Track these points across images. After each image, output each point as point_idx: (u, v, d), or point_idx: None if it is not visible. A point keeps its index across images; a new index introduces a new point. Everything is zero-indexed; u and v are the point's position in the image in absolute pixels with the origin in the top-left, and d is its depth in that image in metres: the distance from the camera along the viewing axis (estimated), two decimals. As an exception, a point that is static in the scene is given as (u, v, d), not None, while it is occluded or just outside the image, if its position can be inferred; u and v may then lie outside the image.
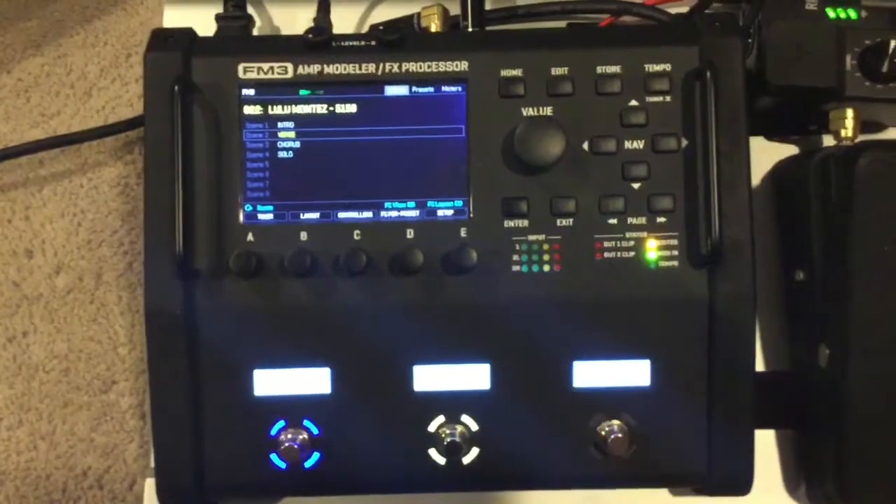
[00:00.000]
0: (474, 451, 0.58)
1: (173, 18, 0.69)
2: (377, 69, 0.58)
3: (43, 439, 0.72)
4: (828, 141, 0.64)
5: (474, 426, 0.58)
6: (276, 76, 0.58)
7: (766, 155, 0.66)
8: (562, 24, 0.67)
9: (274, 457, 0.58)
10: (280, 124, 0.58)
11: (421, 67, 0.58)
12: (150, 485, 0.64)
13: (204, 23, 0.64)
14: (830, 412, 0.59)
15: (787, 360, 0.64)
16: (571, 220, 0.57)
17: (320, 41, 0.58)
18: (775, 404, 0.63)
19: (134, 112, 0.76)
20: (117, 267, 0.74)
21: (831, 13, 0.62)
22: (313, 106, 0.58)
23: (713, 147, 0.55)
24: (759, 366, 0.64)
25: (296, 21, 0.68)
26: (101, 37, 0.79)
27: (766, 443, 0.64)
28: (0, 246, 0.75)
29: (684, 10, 0.65)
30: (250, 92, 0.58)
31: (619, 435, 0.57)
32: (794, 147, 0.66)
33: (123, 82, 0.78)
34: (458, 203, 0.58)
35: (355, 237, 0.58)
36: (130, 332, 0.73)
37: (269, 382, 0.58)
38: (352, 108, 0.58)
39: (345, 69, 0.58)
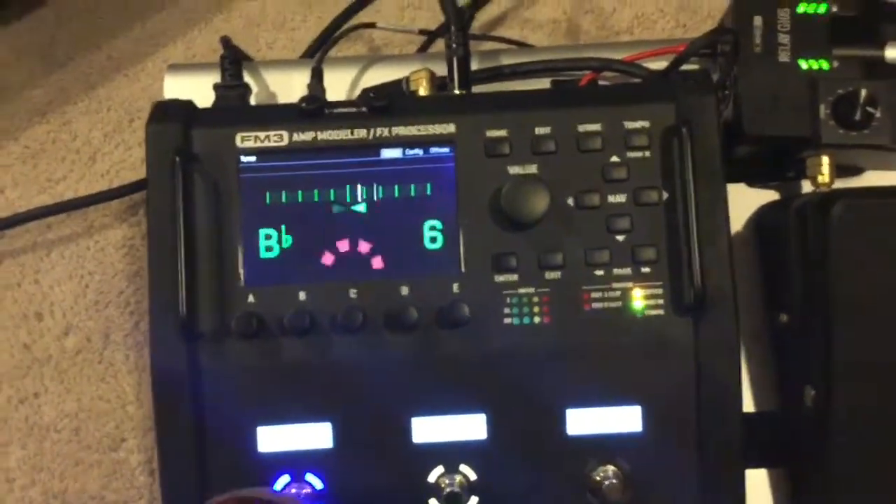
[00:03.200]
0: (473, 501, 0.59)
1: (174, 86, 0.72)
2: (368, 134, 0.61)
3: (56, 498, 0.73)
4: (807, 186, 0.66)
5: (473, 475, 0.60)
6: (272, 144, 0.61)
7: (748, 201, 0.68)
8: (546, 81, 0.69)
9: (279, 511, 0.59)
10: None
11: (410, 131, 0.60)
12: (160, 541, 0.66)
13: (203, 89, 0.67)
14: (818, 450, 0.60)
15: (776, 399, 0.66)
16: (559, 272, 0.59)
17: (313, 109, 0.61)
18: (766, 444, 0.65)
19: (138, 175, 0.79)
20: (124, 327, 0.76)
21: (804, 64, 0.64)
22: (308, 171, 0.61)
23: (692, 199, 0.58)
24: (749, 406, 0.66)
25: (291, 87, 0.70)
26: (105, 103, 0.82)
27: (758, 482, 0.65)
28: (10, 309, 0.77)
29: (664, 63, 0.68)
30: (249, 159, 0.61)
31: (614, 480, 0.59)
32: (776, 193, 0.69)
33: (127, 147, 0.81)
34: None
35: (352, 296, 0.60)
36: (138, 391, 0.75)
37: (273, 438, 0.60)
38: (346, 171, 0.61)
39: (337, 135, 0.61)
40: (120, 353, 0.76)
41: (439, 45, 0.78)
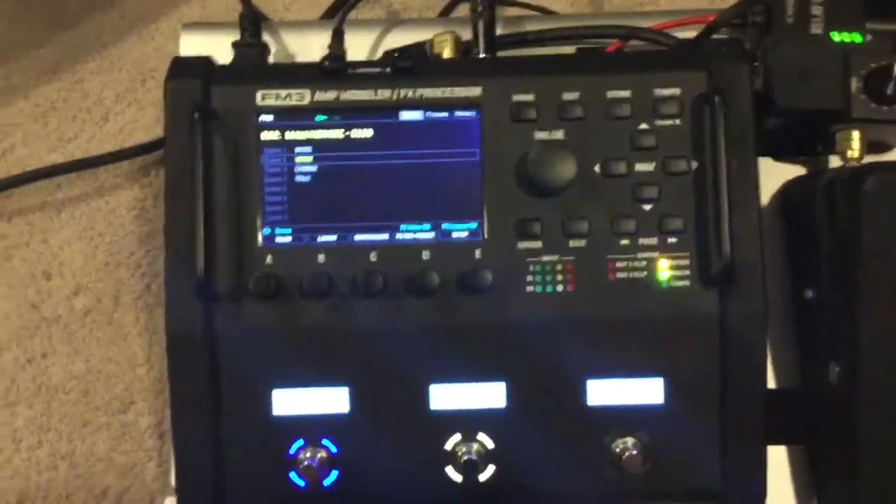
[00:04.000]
0: (490, 469, 0.59)
1: (189, 45, 0.71)
2: (392, 95, 0.59)
3: (63, 459, 0.73)
4: (835, 162, 0.65)
5: (490, 444, 0.59)
6: (293, 103, 0.60)
7: (774, 175, 0.67)
8: (571, 49, 0.68)
9: (293, 475, 0.59)
10: (297, 149, 0.60)
11: (435, 93, 0.59)
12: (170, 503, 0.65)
13: (219, 49, 0.66)
14: (841, 428, 0.59)
15: (798, 376, 0.65)
16: (584, 241, 0.58)
17: (336, 68, 0.60)
18: (787, 421, 0.64)
19: (150, 136, 0.78)
20: (135, 289, 0.75)
21: (836, 37, 0.63)
22: (330, 131, 0.60)
23: (723, 169, 0.57)
24: (771, 382, 0.65)
25: (310, 49, 0.69)
26: (117, 62, 0.81)
27: (778, 459, 0.64)
28: (19, 268, 0.76)
29: (691, 34, 0.66)
30: (268, 118, 0.60)
31: (634, 452, 0.58)
32: (803, 168, 0.68)
33: (139, 107, 0.80)
34: (473, 225, 0.59)
35: (372, 259, 0.59)
36: (148, 353, 0.74)
37: (288, 402, 0.59)
38: (368, 132, 0.60)
39: (360, 95, 0.59)
40: (130, 315, 0.75)
41: (460, 10, 0.77)
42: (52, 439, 0.73)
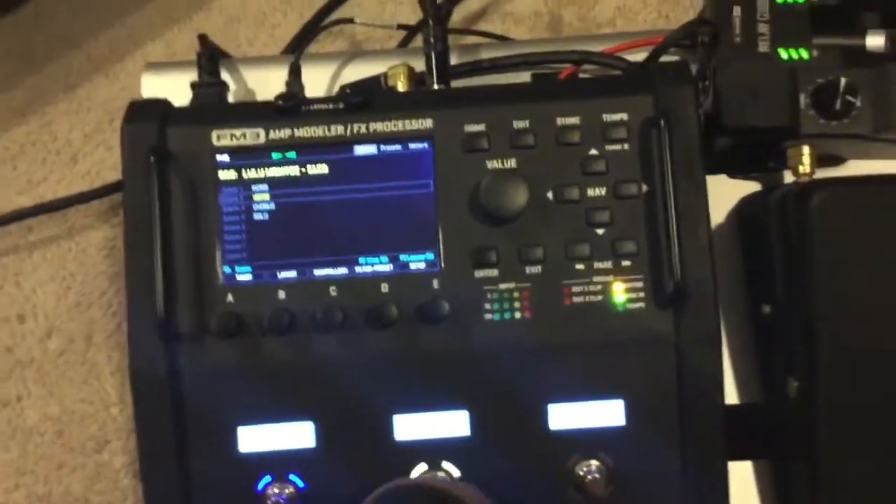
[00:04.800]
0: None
1: (152, 85, 0.71)
2: (346, 130, 0.60)
3: (40, 501, 0.73)
4: (788, 177, 0.66)
5: (456, 472, 0.59)
6: (248, 142, 0.60)
7: (729, 192, 0.68)
8: (526, 75, 0.69)
9: (262, 511, 0.59)
10: (254, 187, 0.60)
11: (387, 127, 0.60)
12: (143, 543, 0.65)
13: (181, 88, 0.67)
14: (802, 442, 0.60)
15: (759, 391, 0.66)
16: (539, 267, 0.59)
17: (290, 106, 0.60)
18: (750, 436, 0.65)
19: (118, 175, 0.76)
20: (107, 328, 0.76)
21: (783, 54, 0.64)
22: (286, 168, 0.60)
23: (671, 191, 0.57)
24: (733, 398, 0.66)
25: (269, 84, 0.70)
26: (85, 103, 0.82)
27: (742, 474, 0.65)
28: (-8, 312, 0.77)
29: (645, 55, 0.67)
30: (224, 158, 0.60)
31: (597, 475, 0.58)
32: (757, 184, 0.68)
33: (107, 147, 0.80)
34: (430, 256, 0.60)
35: (332, 293, 0.59)
36: (121, 392, 0.74)
37: (254, 438, 0.59)
38: (323, 168, 0.60)
39: (314, 132, 0.60)
40: (103, 354, 0.75)
41: (420, 39, 0.78)
42: (29, 482, 0.73)
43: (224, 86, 0.67)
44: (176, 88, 0.66)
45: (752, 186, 0.68)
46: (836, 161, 0.68)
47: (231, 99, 0.69)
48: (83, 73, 0.82)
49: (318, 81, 0.70)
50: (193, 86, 0.66)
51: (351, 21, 0.72)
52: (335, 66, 0.72)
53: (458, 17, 0.80)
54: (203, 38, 0.68)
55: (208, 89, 0.66)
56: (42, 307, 0.77)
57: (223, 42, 0.73)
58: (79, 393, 0.75)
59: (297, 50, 0.71)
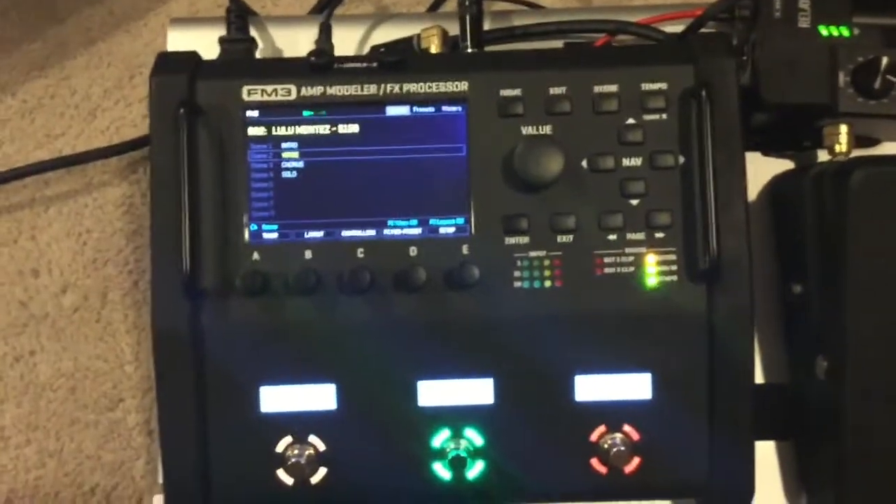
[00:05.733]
0: (479, 466, 0.59)
1: (177, 41, 0.70)
2: (378, 90, 0.59)
3: (51, 457, 0.72)
4: (823, 156, 0.65)
5: (479, 440, 0.59)
6: (279, 98, 0.59)
7: (762, 170, 0.67)
8: (558, 43, 0.68)
9: (280, 472, 0.58)
10: (284, 145, 0.59)
11: (422, 88, 0.59)
12: (157, 501, 0.65)
13: (207, 45, 0.66)
14: (829, 423, 0.59)
15: (786, 371, 0.65)
16: (571, 236, 0.58)
17: (323, 63, 0.59)
18: (775, 415, 0.64)
19: (138, 132, 0.77)
20: (123, 285, 0.75)
21: (824, 31, 0.63)
22: (316, 127, 0.59)
23: (709, 164, 0.56)
24: (759, 377, 0.65)
25: (297, 44, 0.69)
26: (105, 58, 0.80)
27: (766, 454, 0.64)
28: (6, 266, 0.76)
29: (679, 28, 0.66)
30: (254, 114, 0.59)
31: (622, 448, 0.58)
32: (791, 162, 0.67)
33: (127, 103, 0.79)
34: (460, 220, 0.59)
35: (359, 255, 0.58)
36: (136, 350, 0.74)
37: (275, 399, 0.59)
38: (354, 128, 0.59)
39: (347, 90, 0.59)
40: (118, 312, 0.74)
41: (448, 5, 0.77)
42: (41, 437, 0.73)
43: (253, 42, 0.66)
44: (202, 45, 0.65)
45: (784, 165, 0.67)
46: (871, 142, 0.67)
47: (259, 58, 0.68)
48: (105, 27, 0.81)
49: (346, 43, 0.69)
50: (222, 41, 0.65)
51: (382, -18, 0.70)
52: (364, 28, 0.71)
53: (487, -16, 0.79)
54: (233, -7, 0.67)
55: (238, 45, 0.65)
56: (57, 262, 0.76)
57: (249, 1, 0.71)
58: (93, 350, 0.74)
59: (324, 10, 0.70)
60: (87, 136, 0.79)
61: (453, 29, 0.65)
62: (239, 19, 0.66)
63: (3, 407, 0.73)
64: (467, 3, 0.64)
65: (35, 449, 0.72)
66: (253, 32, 0.68)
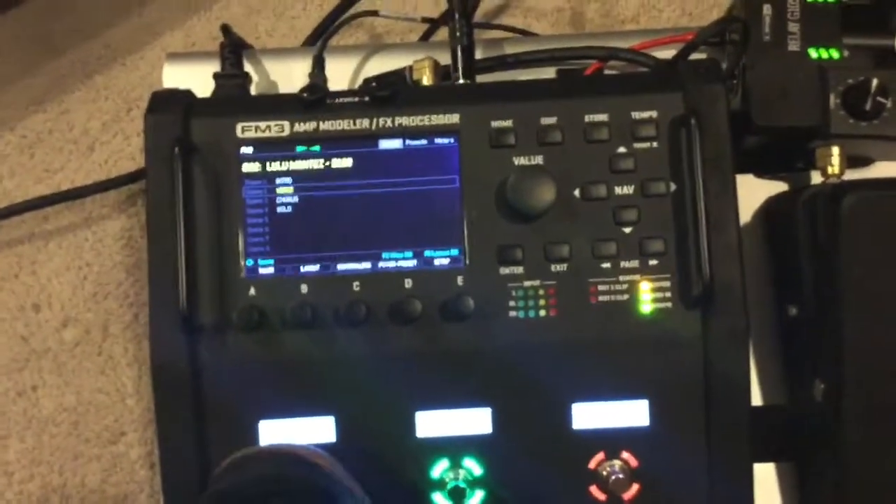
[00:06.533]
0: (479, 495, 0.59)
1: (173, 75, 0.71)
2: (371, 124, 0.60)
3: (55, 492, 0.73)
4: (816, 177, 0.65)
5: (478, 470, 0.59)
6: (273, 134, 0.60)
7: (756, 192, 0.67)
8: (551, 70, 0.68)
9: (281, 506, 0.59)
10: (278, 180, 0.60)
11: (413, 121, 0.59)
12: (160, 535, 0.65)
13: (203, 78, 0.66)
14: (827, 445, 0.60)
15: (784, 393, 0.65)
16: (565, 265, 0.59)
17: (315, 99, 0.60)
18: (774, 437, 0.64)
19: (136, 165, 0.78)
20: (123, 318, 0.75)
21: (813, 53, 0.63)
22: (310, 162, 0.60)
23: (700, 190, 0.57)
24: (757, 399, 0.65)
25: (292, 75, 0.69)
26: (102, 92, 0.81)
27: (766, 476, 0.64)
28: (8, 301, 0.76)
29: (671, 53, 0.66)
30: (248, 150, 0.60)
31: (621, 475, 0.58)
32: (784, 184, 0.68)
33: (125, 136, 0.80)
34: (455, 252, 0.59)
35: (354, 288, 0.59)
36: (137, 384, 0.74)
37: (275, 433, 0.59)
38: (347, 162, 0.60)
39: (340, 125, 0.60)
40: (119, 345, 0.75)
41: (442, 33, 0.77)
42: (44, 472, 0.73)
43: (247, 77, 0.67)
44: (197, 79, 0.66)
45: (779, 186, 0.67)
46: (864, 162, 0.68)
47: (253, 90, 0.69)
48: (102, 62, 0.82)
49: (340, 74, 0.70)
50: (216, 77, 0.66)
51: (375, 13, 0.71)
52: (357, 58, 0.71)
53: (479, 12, 0.79)
54: (226, 29, 0.68)
55: (232, 80, 0.66)
56: (58, 297, 0.76)
57: (242, 33, 0.72)
58: (95, 383, 0.74)
59: (318, 42, 0.70)
60: (85, 169, 0.79)
61: (447, 57, 0.65)
62: (233, 55, 0.67)
63: (7, 442, 0.73)
64: (458, 34, 0.64)
65: (39, 484, 0.73)
66: (248, 65, 0.69)
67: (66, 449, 0.73)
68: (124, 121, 0.80)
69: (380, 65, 0.70)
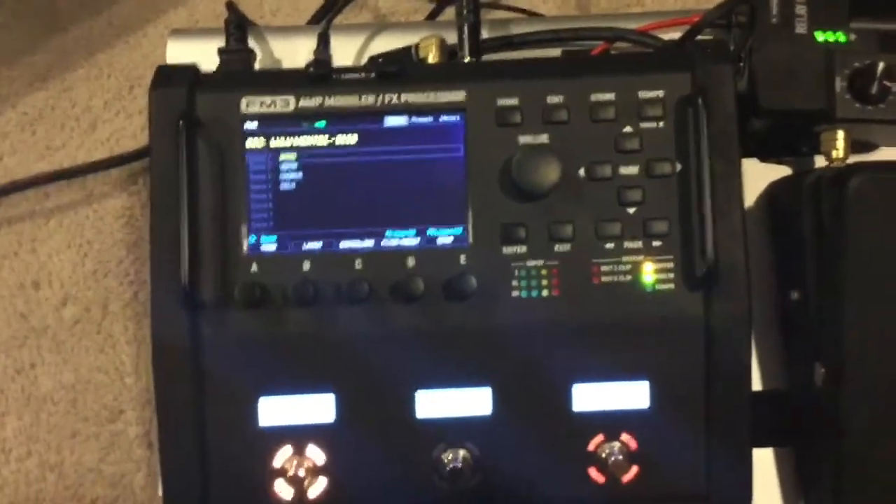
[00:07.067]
0: (477, 476, 0.59)
1: (177, 51, 0.70)
2: (377, 100, 0.59)
3: (52, 470, 0.73)
4: (820, 162, 0.65)
5: (477, 451, 0.59)
6: (277, 109, 0.59)
7: (760, 176, 0.67)
8: (556, 51, 0.68)
9: (279, 484, 0.58)
10: (282, 156, 0.59)
11: (419, 98, 0.59)
12: (158, 513, 0.65)
13: (206, 55, 0.66)
14: (827, 430, 0.59)
15: (784, 378, 0.65)
16: (569, 245, 0.58)
17: (321, 74, 0.60)
18: (774, 422, 0.64)
19: (138, 143, 0.78)
20: (123, 297, 0.75)
21: (820, 37, 0.63)
22: (315, 137, 0.59)
23: (706, 171, 0.56)
24: (757, 384, 0.65)
25: (296, 54, 0.69)
26: (105, 70, 0.81)
27: (764, 461, 0.64)
28: (7, 278, 0.76)
29: (677, 35, 0.66)
30: (253, 125, 0.59)
31: (620, 457, 0.58)
32: (788, 168, 0.67)
33: (127, 114, 0.80)
34: (458, 230, 0.59)
35: (357, 266, 0.59)
36: (136, 362, 0.74)
37: (275, 410, 0.59)
38: (352, 138, 0.59)
39: (345, 101, 0.59)
40: (119, 323, 0.75)
41: (446, 14, 0.77)
42: (41, 450, 0.73)
43: (252, 53, 0.67)
44: (201, 56, 0.66)
45: (782, 171, 0.67)
46: (868, 147, 0.67)
47: (257, 68, 0.68)
48: (104, 39, 0.82)
49: (344, 53, 0.69)
50: (221, 52, 0.66)
51: (380, -7, 0.71)
52: (362, 37, 0.71)
53: (485, -8, 0.79)
54: (231, 5, 0.67)
55: (236, 56, 0.65)
56: (58, 274, 0.76)
57: (247, 12, 0.72)
58: (94, 362, 0.74)
59: (323, 20, 0.70)
60: (87, 147, 0.79)
61: (451, 38, 0.65)
62: (238, 30, 0.67)
63: (5, 419, 0.73)
64: (465, 12, 0.64)
65: (36, 462, 0.73)
66: (252, 43, 0.68)
67: (64, 427, 0.73)
68: (126, 99, 0.80)
69: (385, 44, 0.70)
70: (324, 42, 0.65)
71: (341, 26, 0.73)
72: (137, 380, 0.73)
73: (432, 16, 0.78)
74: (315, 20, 0.78)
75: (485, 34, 0.67)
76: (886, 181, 0.57)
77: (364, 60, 0.70)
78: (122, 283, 0.75)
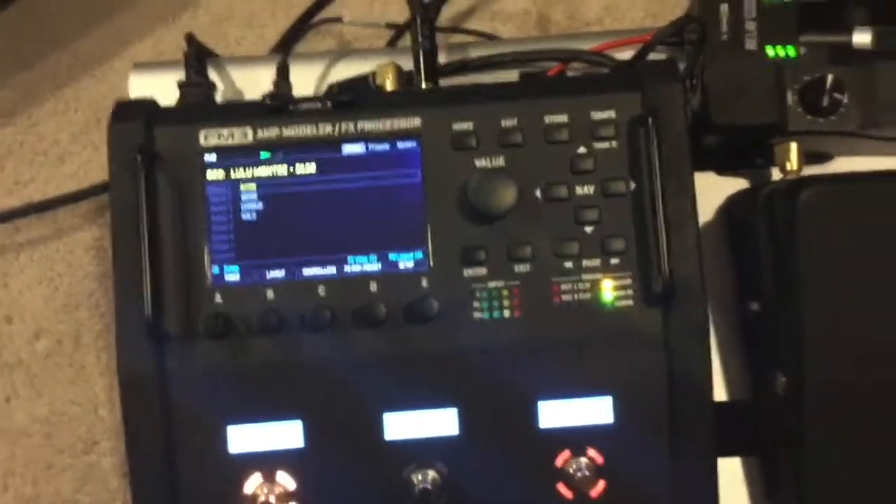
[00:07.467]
0: (446, 495, 0.59)
1: (139, 85, 0.71)
2: (333, 129, 0.60)
3: (29, 502, 0.73)
4: (776, 174, 0.66)
5: (446, 471, 0.59)
6: (236, 141, 0.60)
7: (717, 189, 0.68)
8: (514, 74, 0.69)
9: (251, 511, 0.59)
10: (242, 187, 0.60)
11: (375, 126, 0.60)
12: (133, 543, 0.65)
13: (169, 88, 0.66)
14: (789, 438, 0.60)
15: (747, 388, 0.66)
16: (529, 265, 0.59)
17: (278, 105, 0.60)
18: (739, 432, 0.65)
19: (106, 176, 0.77)
20: (95, 328, 0.76)
21: (770, 52, 0.64)
22: (274, 168, 0.60)
23: (658, 189, 0.57)
24: (722, 395, 0.66)
25: (258, 83, 0.69)
26: (72, 103, 0.81)
27: (731, 470, 0.65)
28: (-20, 314, 0.76)
29: (633, 53, 0.67)
30: (212, 157, 0.60)
31: (587, 472, 0.58)
32: (745, 180, 0.69)
33: (95, 147, 0.80)
34: (419, 254, 0.60)
35: (320, 293, 0.59)
36: (110, 393, 0.74)
37: (243, 438, 0.59)
38: (311, 167, 0.60)
39: (302, 131, 0.60)
40: (91, 355, 0.75)
41: (406, 40, 0.78)
42: (18, 484, 0.73)
43: (212, 85, 0.67)
44: (164, 88, 0.66)
45: (740, 183, 0.68)
46: (823, 158, 0.68)
47: (219, 99, 0.69)
48: (71, 73, 0.82)
49: (306, 80, 0.70)
50: (181, 85, 0.66)
51: (339, 20, 0.71)
52: (323, 65, 0.72)
53: (446, 15, 0.80)
54: (190, 38, 0.68)
55: (196, 89, 0.66)
56: (30, 308, 0.76)
57: (212, 42, 0.72)
58: (67, 394, 0.74)
59: (286, 48, 0.71)
60: (56, 181, 0.79)
61: (410, 63, 0.66)
62: (197, 63, 0.67)
63: (-20, 455, 0.73)
64: (420, 38, 0.65)
65: (12, 496, 0.73)
66: (213, 74, 0.69)
67: (40, 460, 0.73)
68: (94, 132, 0.81)
69: (346, 70, 0.70)
70: (282, 72, 0.66)
71: (303, 54, 0.74)
72: (111, 410, 0.74)
73: (393, 41, 0.78)
74: (278, 48, 0.79)
75: (442, 58, 0.68)
76: (836, 193, 0.58)
77: (326, 87, 0.70)
78: (94, 315, 0.76)
